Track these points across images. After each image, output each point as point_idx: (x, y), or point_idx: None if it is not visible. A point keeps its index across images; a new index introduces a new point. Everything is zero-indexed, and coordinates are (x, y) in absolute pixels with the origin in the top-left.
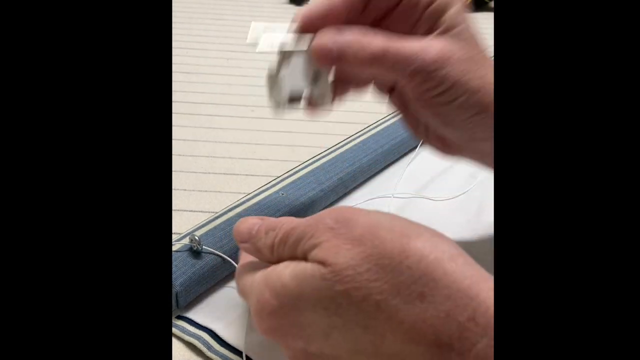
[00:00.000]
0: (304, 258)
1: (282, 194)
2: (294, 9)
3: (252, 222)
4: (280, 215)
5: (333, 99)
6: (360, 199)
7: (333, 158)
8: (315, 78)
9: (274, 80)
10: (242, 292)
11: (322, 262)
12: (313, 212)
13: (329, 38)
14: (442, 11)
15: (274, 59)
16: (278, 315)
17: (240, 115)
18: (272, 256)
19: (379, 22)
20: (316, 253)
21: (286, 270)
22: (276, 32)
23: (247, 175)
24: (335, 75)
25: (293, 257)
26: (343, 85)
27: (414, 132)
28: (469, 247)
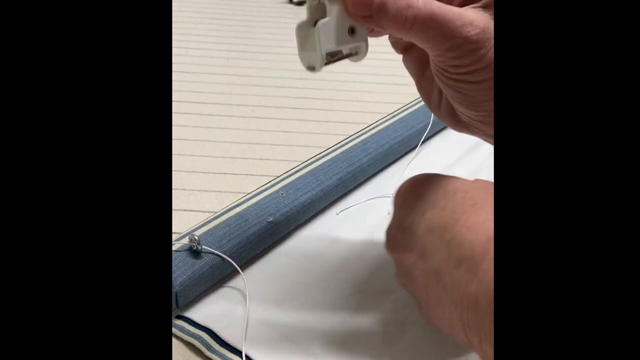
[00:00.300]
0: None
1: (282, 194)
2: (294, 9)
3: None
4: (280, 215)
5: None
6: (360, 199)
7: (333, 158)
8: (351, 31)
9: (306, 35)
10: None
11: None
12: (313, 212)
13: None
14: None
15: (304, 12)
16: (411, 185)
17: (240, 115)
18: None
19: None
20: None
21: None
22: None
23: (247, 175)
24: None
25: None
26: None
27: (426, 102)
28: None
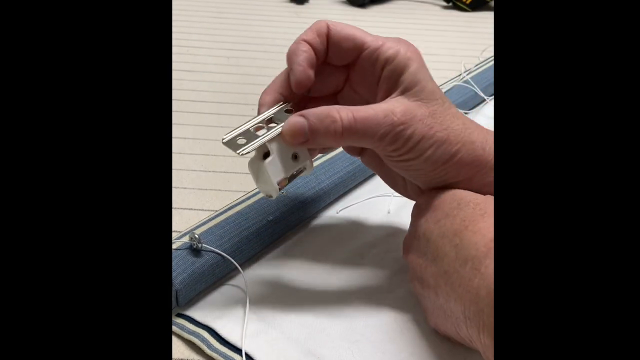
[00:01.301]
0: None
1: (283, 192)
2: (295, 7)
3: None
4: (281, 214)
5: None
6: (360, 198)
7: (333, 156)
8: (295, 157)
9: (258, 172)
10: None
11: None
12: (313, 211)
13: (298, 119)
14: (401, 70)
15: (252, 153)
16: (428, 198)
17: (241, 113)
18: None
19: (342, 86)
20: None
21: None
22: (248, 129)
23: (247, 173)
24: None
25: None
26: (311, 151)
27: (394, 188)
28: None
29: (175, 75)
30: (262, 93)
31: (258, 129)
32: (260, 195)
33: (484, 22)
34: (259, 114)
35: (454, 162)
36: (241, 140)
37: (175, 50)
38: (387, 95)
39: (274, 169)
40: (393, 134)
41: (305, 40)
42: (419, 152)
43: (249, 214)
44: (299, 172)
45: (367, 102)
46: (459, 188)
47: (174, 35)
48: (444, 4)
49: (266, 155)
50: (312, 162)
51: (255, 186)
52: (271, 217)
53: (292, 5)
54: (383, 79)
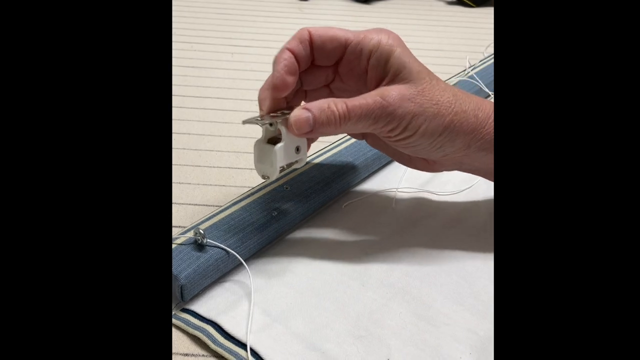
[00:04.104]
0: None
1: (287, 188)
2: (298, 4)
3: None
4: (285, 209)
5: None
6: (365, 193)
7: (337, 152)
8: (297, 149)
9: (264, 153)
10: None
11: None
12: (318, 206)
13: (303, 112)
14: (387, 56)
15: (260, 136)
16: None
17: (245, 109)
18: None
19: (332, 78)
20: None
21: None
22: (262, 114)
23: (251, 169)
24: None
25: None
26: (308, 141)
27: (399, 162)
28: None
29: (179, 71)
30: (260, 90)
31: (271, 117)
32: (265, 191)
33: (488, 18)
34: (260, 109)
35: (448, 133)
36: (257, 120)
37: (179, 46)
38: (378, 83)
39: (282, 154)
40: (385, 115)
41: (288, 49)
42: (414, 129)
43: (253, 209)
44: (293, 164)
45: (359, 91)
46: (457, 156)
47: (178, 32)
48: None
49: (272, 140)
50: (306, 158)
51: (254, 182)
52: (276, 213)
53: (296, 1)
54: (371, 68)
